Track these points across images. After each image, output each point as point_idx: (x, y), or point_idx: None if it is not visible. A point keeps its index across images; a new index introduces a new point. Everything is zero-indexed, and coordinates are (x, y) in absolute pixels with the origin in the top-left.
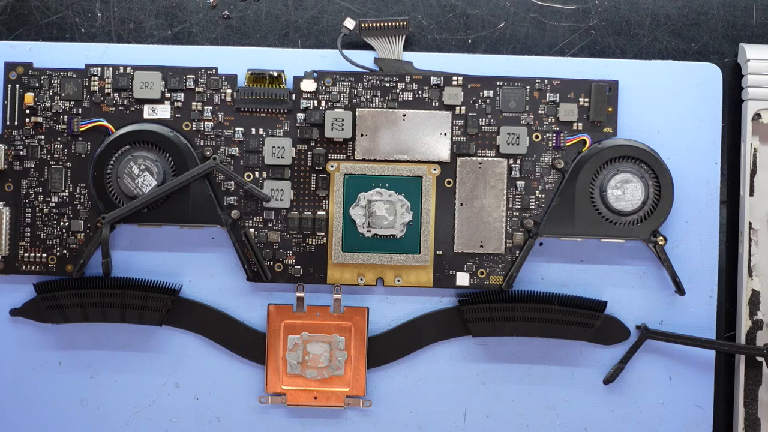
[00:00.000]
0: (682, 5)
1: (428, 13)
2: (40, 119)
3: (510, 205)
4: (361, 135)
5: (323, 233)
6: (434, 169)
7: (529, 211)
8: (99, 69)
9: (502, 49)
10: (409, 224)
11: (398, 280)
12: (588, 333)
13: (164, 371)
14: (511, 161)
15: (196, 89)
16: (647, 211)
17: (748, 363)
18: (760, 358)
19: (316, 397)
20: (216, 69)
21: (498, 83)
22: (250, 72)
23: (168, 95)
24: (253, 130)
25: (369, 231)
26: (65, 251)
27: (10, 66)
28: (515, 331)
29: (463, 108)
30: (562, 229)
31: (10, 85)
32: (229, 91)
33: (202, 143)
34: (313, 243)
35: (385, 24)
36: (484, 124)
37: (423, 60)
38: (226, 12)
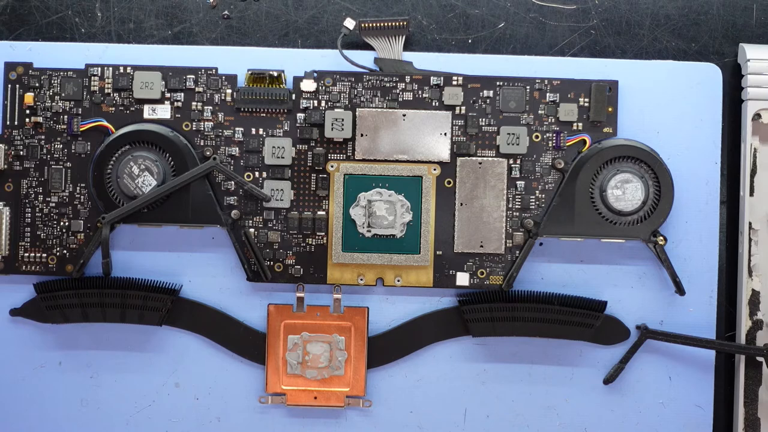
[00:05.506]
0: (682, 5)
1: (428, 13)
2: (40, 119)
3: (510, 205)
4: (361, 135)
5: (323, 233)
6: (434, 169)
7: (529, 211)
8: (99, 69)
9: (502, 49)
10: (409, 224)
11: (398, 280)
12: (588, 333)
13: (164, 371)
14: (511, 161)
15: (196, 89)
16: (647, 211)
17: (748, 363)
18: (760, 358)
19: (316, 397)
20: (216, 69)
21: (498, 83)
22: (250, 72)
23: (168, 95)
24: (253, 130)
25: (369, 231)
26: (65, 251)
27: (10, 66)
28: (515, 331)
29: (463, 108)
30: (562, 229)
31: (10, 85)
32: (229, 91)
33: (202, 143)
34: (313, 243)
35: (385, 24)
36: (484, 124)
37: (423, 60)
38: (226, 12)
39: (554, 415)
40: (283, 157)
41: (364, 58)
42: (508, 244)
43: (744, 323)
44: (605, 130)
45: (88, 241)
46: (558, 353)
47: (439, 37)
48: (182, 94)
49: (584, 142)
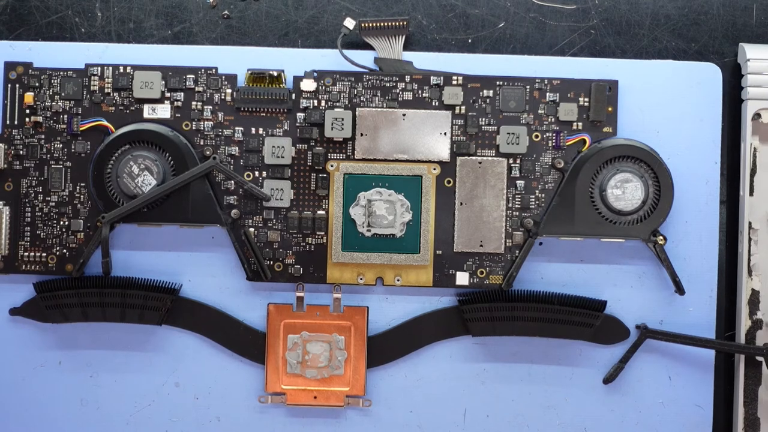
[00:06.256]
0: (682, 5)
1: (428, 13)
2: (40, 119)
3: (510, 205)
4: (361, 135)
5: (323, 233)
6: (434, 169)
7: (529, 210)
8: (99, 69)
9: (502, 49)
10: (408, 224)
11: (398, 280)
12: (588, 333)
13: (164, 371)
14: (510, 161)
15: (196, 89)
16: (647, 211)
17: (747, 362)
18: (759, 358)
19: (315, 397)
20: (216, 69)
21: (498, 83)
22: (250, 72)
23: (168, 95)
24: (253, 130)
25: (369, 230)
26: (65, 251)
27: (10, 66)
28: (515, 330)
29: (463, 108)
30: (562, 228)
31: (10, 85)
32: (229, 90)
33: (202, 143)
34: (313, 242)
35: (385, 24)
36: (483, 123)
37: (423, 60)
38: (226, 12)
39: (554, 414)
40: (283, 157)
41: (364, 58)
42: (507, 244)
43: (744, 323)
44: (605, 129)
45: (88, 240)
46: (558, 353)
47: (439, 36)
48: (182, 93)
49: (584, 141)
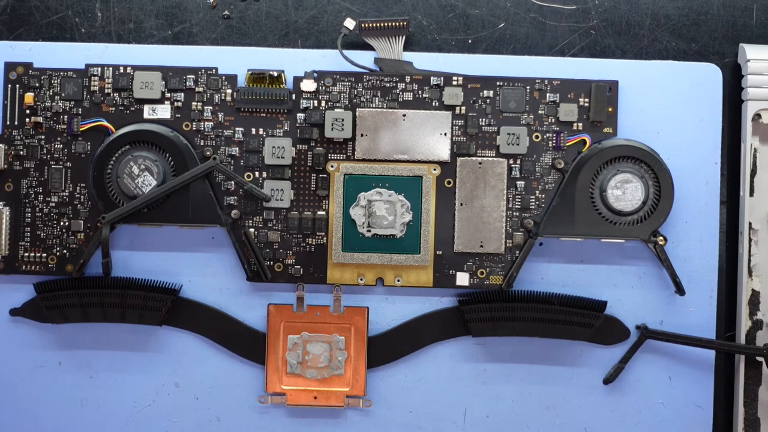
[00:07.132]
0: (682, 5)
1: (428, 14)
2: (40, 119)
3: (510, 205)
4: (361, 135)
5: (323, 233)
6: (434, 169)
7: (529, 211)
8: (99, 69)
9: (502, 50)
10: (409, 224)
11: (398, 280)
12: (588, 333)
13: (164, 371)
14: (511, 161)
15: (196, 89)
16: (647, 211)
17: (747, 363)
18: (759, 358)
19: (315, 397)
20: (216, 69)
21: (498, 83)
22: (250, 72)
23: (168, 95)
24: (253, 130)
25: (369, 231)
26: (65, 251)
27: (10, 66)
28: (515, 331)
29: (463, 108)
30: (562, 229)
31: (10, 85)
32: (229, 91)
33: (202, 143)
34: (313, 243)
35: (385, 24)
36: (484, 124)
37: (423, 60)
38: (226, 12)
39: (554, 414)
40: (283, 157)
41: (364, 58)
42: (508, 244)
43: (744, 323)
44: (605, 130)
45: (88, 241)
46: (558, 353)
47: (439, 37)
48: (182, 94)
49: (584, 142)
